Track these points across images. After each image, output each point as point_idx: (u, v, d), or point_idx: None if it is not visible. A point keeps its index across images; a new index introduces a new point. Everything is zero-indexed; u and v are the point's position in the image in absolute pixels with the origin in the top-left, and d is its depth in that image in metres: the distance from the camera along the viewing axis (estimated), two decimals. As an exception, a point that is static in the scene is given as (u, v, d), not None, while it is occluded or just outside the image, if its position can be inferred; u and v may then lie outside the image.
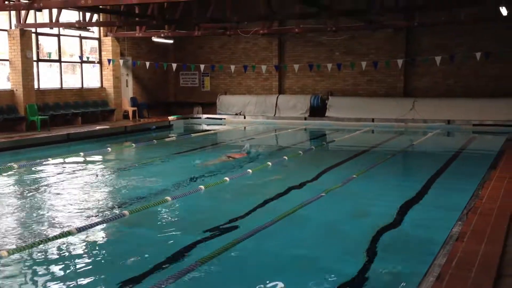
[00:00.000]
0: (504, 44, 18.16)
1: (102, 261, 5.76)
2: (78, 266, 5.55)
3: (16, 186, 9.57)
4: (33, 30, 17.14)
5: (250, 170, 10.24)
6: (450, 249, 4.87)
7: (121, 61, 20.36)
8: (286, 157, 11.90)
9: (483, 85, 19.33)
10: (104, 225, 6.85)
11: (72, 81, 19.29)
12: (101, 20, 19.14)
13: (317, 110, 20.93)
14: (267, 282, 5.02)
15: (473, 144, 15.52)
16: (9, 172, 10.63)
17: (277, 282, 4.94)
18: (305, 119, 20.67)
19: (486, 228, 5.48)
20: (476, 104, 18.57)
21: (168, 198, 7.99)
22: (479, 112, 18.33)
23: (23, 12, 16.31)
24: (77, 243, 6.20)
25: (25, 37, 16.46)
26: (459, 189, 8.58)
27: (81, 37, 19.34)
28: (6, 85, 16.75)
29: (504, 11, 14.06)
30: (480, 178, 8.43)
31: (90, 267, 5.54)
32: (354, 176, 9.70)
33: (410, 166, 12.18)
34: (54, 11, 16.79)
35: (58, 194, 8.87)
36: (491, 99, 18.62)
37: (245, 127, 20.41)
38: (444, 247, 4.97)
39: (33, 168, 11.09)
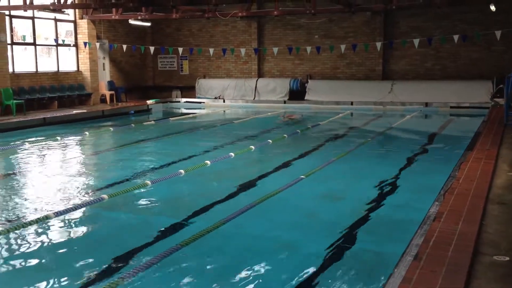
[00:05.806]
0: (481, 27, 18.32)
1: (81, 245, 5.70)
2: (56, 251, 5.49)
3: (-9, 171, 9.40)
4: (7, 12, 16.72)
5: (232, 154, 10.21)
6: (428, 229, 4.93)
7: (97, 44, 20.01)
8: (270, 141, 11.88)
9: (460, 68, 19.52)
10: (83, 208, 6.78)
11: (47, 65, 18.90)
12: (76, 2, 18.75)
13: (297, 94, 20.92)
14: (247, 265, 5.03)
15: (450, 126, 15.69)
16: (-16, 158, 10.44)
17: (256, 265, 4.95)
18: (285, 102, 20.66)
19: (463, 208, 5.56)
20: (454, 87, 18.76)
21: (148, 182, 7.93)
22: (456, 94, 18.53)
23: (-5, -6, 15.91)
24: (55, 228, 6.12)
25: (-2, 19, 16.07)
26: (436, 170, 8.69)
27: (56, 20, 18.93)
28: (-20, 69, 16.38)
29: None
30: (457, 159, 8.53)
31: (68, 252, 5.48)
32: (334, 159, 9.76)
33: (388, 148, 12.26)
34: (28, -8, 16.41)
35: (35, 178, 8.76)
36: (468, 82, 18.81)
37: (224, 111, 20.32)
38: (422, 227, 5.02)
39: (9, 153, 10.90)
